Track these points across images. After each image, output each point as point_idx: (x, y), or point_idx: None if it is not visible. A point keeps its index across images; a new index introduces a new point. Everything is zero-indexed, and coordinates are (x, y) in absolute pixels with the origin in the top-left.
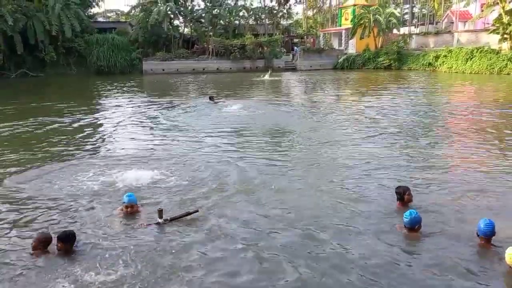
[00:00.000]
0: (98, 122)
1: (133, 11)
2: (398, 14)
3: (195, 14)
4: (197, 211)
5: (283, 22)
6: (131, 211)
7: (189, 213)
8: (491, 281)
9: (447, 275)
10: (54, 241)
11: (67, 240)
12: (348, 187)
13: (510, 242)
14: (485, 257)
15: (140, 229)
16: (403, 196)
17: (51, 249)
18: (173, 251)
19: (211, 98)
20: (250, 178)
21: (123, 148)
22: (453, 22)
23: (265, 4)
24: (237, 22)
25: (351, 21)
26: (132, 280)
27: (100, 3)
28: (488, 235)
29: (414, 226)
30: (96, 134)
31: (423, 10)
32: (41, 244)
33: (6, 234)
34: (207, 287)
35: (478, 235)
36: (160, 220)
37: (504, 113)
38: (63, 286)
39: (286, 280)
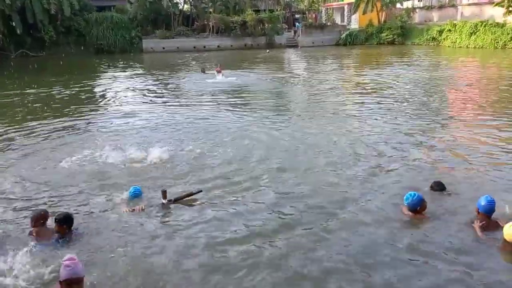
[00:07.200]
0: (98, 95)
1: None
2: None
3: None
4: (201, 191)
5: None
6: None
7: (192, 194)
8: (492, 257)
9: (447, 254)
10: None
11: (64, 222)
12: (350, 172)
13: None
14: (485, 233)
15: (142, 212)
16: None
17: (50, 225)
18: (176, 235)
19: (202, 71)
20: (252, 156)
21: (120, 122)
22: None
23: None
24: None
25: None
26: (130, 268)
27: None
28: (488, 212)
29: (416, 207)
30: (93, 108)
31: None
32: (39, 221)
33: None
34: (210, 274)
35: (478, 212)
36: (164, 201)
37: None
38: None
39: (285, 273)
